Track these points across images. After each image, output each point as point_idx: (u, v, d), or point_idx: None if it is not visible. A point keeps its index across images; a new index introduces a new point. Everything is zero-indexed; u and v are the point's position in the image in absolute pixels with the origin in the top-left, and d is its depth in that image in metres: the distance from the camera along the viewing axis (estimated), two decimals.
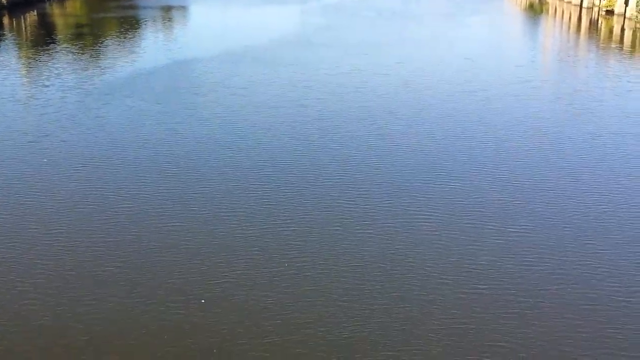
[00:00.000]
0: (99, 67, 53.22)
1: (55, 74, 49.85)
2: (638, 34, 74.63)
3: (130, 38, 67.87)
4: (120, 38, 67.39)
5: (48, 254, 23.08)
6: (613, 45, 69.60)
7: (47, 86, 46.05)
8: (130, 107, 41.11)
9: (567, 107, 42.66)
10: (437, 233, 25.05)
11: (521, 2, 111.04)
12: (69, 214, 26.21)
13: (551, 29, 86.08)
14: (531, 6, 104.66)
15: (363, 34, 71.50)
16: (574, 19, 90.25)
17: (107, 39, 67.54)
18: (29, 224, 25.38)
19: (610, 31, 79.14)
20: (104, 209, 26.62)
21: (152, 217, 26.10)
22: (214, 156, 32.60)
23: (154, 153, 32.97)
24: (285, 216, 26.17)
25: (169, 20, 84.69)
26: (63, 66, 53.01)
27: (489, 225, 25.79)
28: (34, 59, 56.72)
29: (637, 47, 69.73)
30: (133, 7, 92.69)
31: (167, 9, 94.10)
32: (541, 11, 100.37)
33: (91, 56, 58.13)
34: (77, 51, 60.06)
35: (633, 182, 30.41)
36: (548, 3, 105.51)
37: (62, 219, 25.82)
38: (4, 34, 71.66)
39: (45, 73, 50.37)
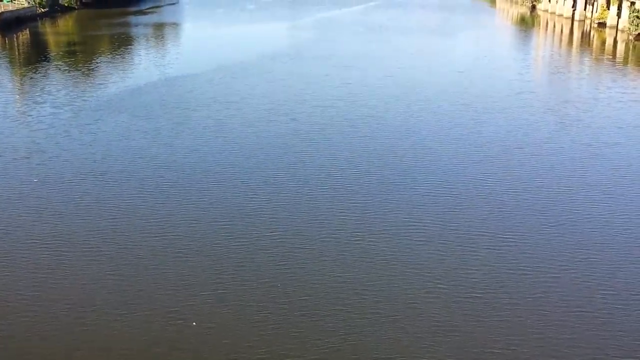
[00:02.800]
0: (91, 83, 52.96)
1: (48, 91, 49.55)
2: (631, 46, 74.97)
3: (122, 55, 67.74)
4: (112, 55, 67.25)
5: (39, 268, 22.73)
6: (605, 57, 69.84)
7: (39, 103, 45.72)
8: (122, 122, 40.78)
9: (558, 118, 42.58)
10: (430, 243, 24.82)
11: (512, 15, 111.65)
12: (62, 228, 25.84)
13: (543, 42, 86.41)
14: (523, 19, 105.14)
15: (354, 48, 71.55)
16: (566, 31, 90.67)
17: (99, 56, 67.38)
18: (21, 238, 25.07)
19: (603, 43, 79.46)
20: (97, 223, 26.26)
21: (145, 230, 25.68)
22: (207, 170, 32.25)
23: (146, 168, 32.57)
24: (277, 229, 25.89)
25: (160, 37, 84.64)
26: (55, 83, 52.73)
27: (481, 232, 25.59)
28: (27, 76, 56.45)
29: (630, 59, 70.02)
30: (125, 24, 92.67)
31: (159, 26, 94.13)
32: (533, 24, 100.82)
33: (83, 73, 57.89)
34: (69, 68, 59.84)
35: (624, 189, 30.29)
36: (540, 16, 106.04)
37: (56, 232, 25.44)
38: None
39: (37, 90, 50.06)
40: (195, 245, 24.37)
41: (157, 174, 31.76)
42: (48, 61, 63.76)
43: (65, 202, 28.39)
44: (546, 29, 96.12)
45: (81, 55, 69.80)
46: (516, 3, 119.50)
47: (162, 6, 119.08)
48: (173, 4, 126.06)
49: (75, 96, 47.80)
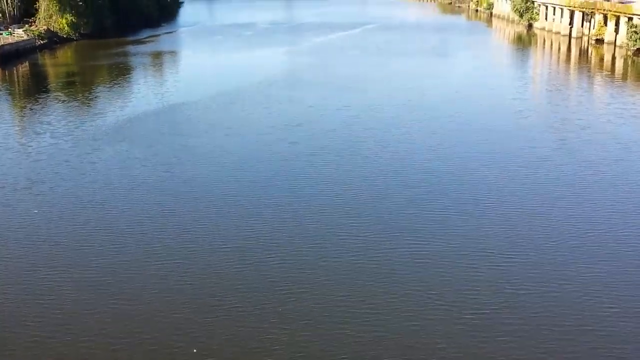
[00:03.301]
0: (91, 113, 52.95)
1: (47, 121, 49.53)
2: (630, 61, 75.06)
3: (121, 84, 67.89)
4: (110, 85, 67.42)
5: (40, 297, 22.44)
6: (604, 73, 69.87)
7: (39, 134, 45.67)
8: (121, 151, 40.69)
9: (558, 135, 42.40)
10: (434, 264, 24.52)
11: (509, 34, 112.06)
12: (62, 258, 25.58)
13: (541, 60, 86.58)
14: (520, 38, 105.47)
15: (352, 71, 71.65)
16: (564, 49, 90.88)
17: (97, 86, 67.53)
18: (23, 268, 24.79)
19: (601, 59, 79.57)
20: (97, 252, 26.04)
21: (144, 258, 25.45)
22: (207, 198, 32.06)
23: (145, 196, 32.40)
24: (276, 256, 25.66)
25: (159, 66, 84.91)
26: (55, 114, 52.74)
27: (484, 253, 25.29)
28: (27, 107, 56.50)
29: (629, 74, 70.06)
30: (123, 54, 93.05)
31: (157, 54, 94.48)
32: (530, 42, 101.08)
33: (82, 103, 57.94)
34: (69, 99, 59.92)
35: (627, 205, 30.01)
36: (536, 34, 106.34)
37: (56, 262, 25.19)
38: None
39: (37, 121, 50.05)
40: (194, 273, 24.18)
41: (156, 202, 31.61)
42: (48, 92, 63.91)
43: (65, 232, 28.26)
44: (544, 47, 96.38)
45: (80, 85, 69.98)
46: (512, 22, 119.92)
47: (159, 35, 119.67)
48: (171, 32, 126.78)
49: (75, 126, 47.77)
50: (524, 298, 21.99)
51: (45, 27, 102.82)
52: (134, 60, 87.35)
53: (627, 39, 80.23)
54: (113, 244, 26.85)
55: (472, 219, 28.72)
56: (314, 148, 40.10)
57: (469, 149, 39.55)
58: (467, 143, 40.77)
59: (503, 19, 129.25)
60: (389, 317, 20.85)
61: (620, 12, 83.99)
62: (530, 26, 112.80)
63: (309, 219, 29.04)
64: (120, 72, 76.44)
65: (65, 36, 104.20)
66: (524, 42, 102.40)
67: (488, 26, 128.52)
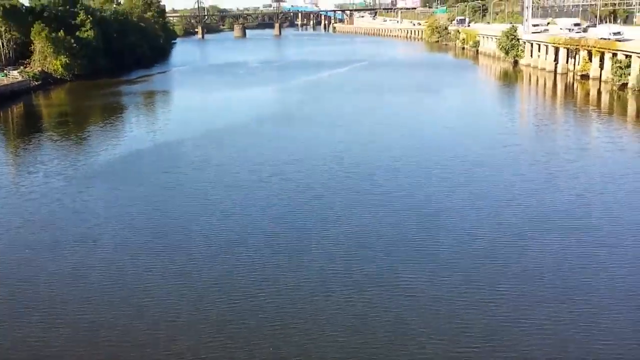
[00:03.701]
0: (83, 152, 53.43)
1: (41, 161, 49.93)
2: (615, 96, 76.39)
3: (113, 124, 68.57)
4: (103, 124, 68.07)
5: (33, 337, 22.60)
6: (590, 108, 71.05)
7: (32, 173, 46.01)
8: (113, 189, 41.06)
9: (546, 169, 42.99)
10: (423, 301, 24.88)
11: (496, 70, 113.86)
12: (55, 297, 25.75)
13: (527, 96, 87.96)
14: (506, 74, 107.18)
15: (343, 109, 72.59)
16: (550, 84, 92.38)
17: (90, 126, 68.19)
18: (16, 308, 24.93)
19: (587, 94, 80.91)
20: (90, 291, 26.24)
21: (136, 296, 25.66)
22: (198, 235, 32.34)
23: (137, 234, 32.66)
24: (268, 292, 25.94)
25: (151, 105, 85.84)
26: (48, 153, 53.17)
27: (475, 289, 25.68)
28: (20, 147, 57.00)
29: (614, 109, 71.26)
30: (116, 94, 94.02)
31: (150, 94, 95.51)
32: (516, 79, 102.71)
33: (75, 143, 58.46)
34: (62, 138, 60.45)
35: (616, 238, 30.52)
36: (522, 70, 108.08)
37: (49, 301, 25.36)
38: None
39: (31, 160, 50.48)
40: (185, 311, 24.39)
41: (148, 240, 31.88)
42: (41, 132, 64.47)
43: (57, 271, 28.42)
44: (530, 83, 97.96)
45: (73, 125, 70.63)
46: (498, 59, 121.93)
47: (152, 75, 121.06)
48: (163, 72, 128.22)
49: (68, 165, 48.18)
50: (514, 338, 22.31)
51: (39, 69, 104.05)
52: (126, 100, 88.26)
53: (612, 74, 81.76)
54: (105, 283, 27.06)
55: (462, 252, 29.13)
56: (305, 185, 40.56)
57: (458, 182, 40.10)
58: (457, 177, 41.34)
59: (489, 56, 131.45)
60: None
61: (604, 49, 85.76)
62: (516, 63, 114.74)
63: (299, 254, 29.37)
64: (113, 111, 77.24)
65: (59, 77, 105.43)
66: (510, 78, 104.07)
67: (475, 63, 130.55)
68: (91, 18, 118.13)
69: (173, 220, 34.64)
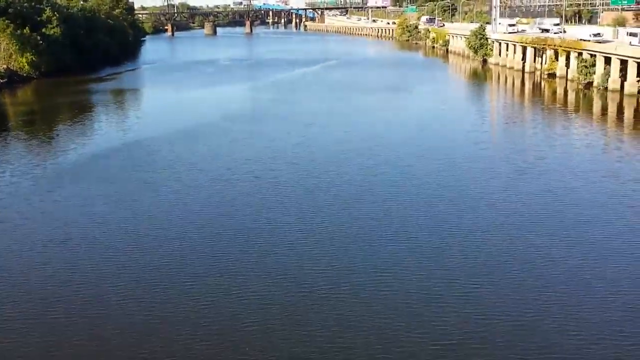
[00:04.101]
0: (51, 151, 52.72)
1: (7, 160, 49.05)
2: (581, 94, 77.76)
3: (82, 122, 67.72)
4: (71, 122, 67.18)
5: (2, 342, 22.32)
6: (557, 106, 72.23)
7: None
8: (83, 188, 40.58)
9: (515, 166, 43.60)
10: (388, 302, 25.12)
11: (465, 69, 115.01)
12: (23, 299, 25.42)
13: (496, 94, 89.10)
14: (475, 73, 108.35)
15: (314, 106, 72.76)
16: (518, 83, 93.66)
17: (58, 124, 67.26)
18: None
19: (554, 93, 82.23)
20: (60, 292, 25.96)
21: (108, 295, 25.47)
22: (171, 233, 32.22)
23: (108, 233, 32.40)
24: (242, 291, 25.97)
25: (120, 103, 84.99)
26: (15, 153, 52.33)
27: (447, 284, 25.99)
28: None
29: (580, 107, 72.56)
30: (84, 92, 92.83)
31: (119, 92, 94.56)
32: (485, 77, 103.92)
33: (43, 141, 57.65)
34: (29, 137, 59.55)
35: (584, 233, 31.15)
36: (491, 69, 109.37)
37: (17, 305, 25.03)
38: None
39: None
40: (159, 310, 24.27)
41: (118, 239, 31.63)
42: (7, 131, 63.34)
43: (25, 271, 28.08)
44: (499, 82, 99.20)
45: (41, 124, 69.62)
46: (468, 57, 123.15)
47: (121, 73, 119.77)
48: (132, 70, 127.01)
49: (36, 164, 47.50)
50: (491, 329, 22.63)
51: (4, 66, 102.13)
52: (95, 98, 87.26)
53: (578, 73, 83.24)
54: (75, 283, 26.79)
55: (434, 248, 29.45)
56: (277, 182, 40.60)
57: (429, 180, 40.49)
58: (428, 174, 41.74)
59: (459, 54, 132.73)
60: None
61: (570, 48, 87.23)
62: (485, 62, 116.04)
63: (272, 252, 29.42)
64: (82, 110, 76.26)
65: (25, 75, 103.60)
66: (479, 77, 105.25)
67: (445, 62, 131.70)
68: (57, 15, 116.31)
69: (144, 219, 34.39)
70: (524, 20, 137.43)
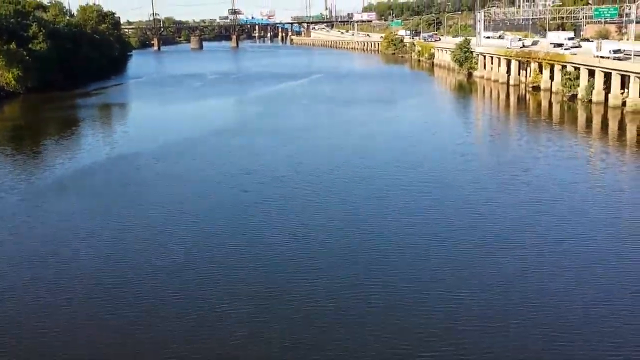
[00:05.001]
0: (38, 166, 52.54)
1: None
2: (565, 107, 78.57)
3: (69, 137, 67.59)
4: (58, 137, 67.03)
5: None
6: (542, 118, 72.96)
7: None
8: (70, 203, 40.46)
9: (500, 178, 43.99)
10: (377, 314, 25.28)
11: (451, 82, 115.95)
12: (11, 313, 25.40)
13: (482, 107, 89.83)
14: (461, 86, 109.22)
15: (301, 120, 73.03)
16: (503, 96, 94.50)
17: (45, 139, 67.07)
18: None
19: (539, 105, 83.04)
20: (47, 307, 25.93)
21: (95, 311, 25.38)
22: (157, 248, 32.19)
23: (94, 248, 32.30)
24: (231, 305, 26.05)
25: (107, 118, 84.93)
26: (1, 168, 52.10)
27: (432, 295, 26.20)
28: None
29: (565, 119, 73.33)
30: (71, 107, 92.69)
31: (106, 106, 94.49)
32: (471, 90, 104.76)
33: (30, 157, 57.45)
34: (15, 152, 59.32)
35: (568, 244, 31.48)
36: (476, 82, 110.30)
37: (4, 317, 25.02)
38: None
39: None
40: (144, 327, 24.28)
41: (106, 254, 31.56)
42: None
43: (12, 287, 27.95)
44: (484, 94, 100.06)
45: (27, 139, 69.40)
46: (453, 71, 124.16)
47: (108, 87, 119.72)
48: (119, 84, 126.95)
49: (22, 179, 47.36)
50: (471, 341, 22.82)
51: None
52: (81, 113, 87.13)
53: (562, 85, 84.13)
54: (61, 298, 26.72)
55: (421, 260, 29.66)
56: (265, 196, 40.71)
57: (414, 192, 40.78)
58: (413, 186, 42.03)
59: (444, 68, 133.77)
60: None
61: (554, 61, 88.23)
62: (470, 75, 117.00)
63: (259, 266, 29.50)
64: (68, 125, 76.10)
65: (11, 90, 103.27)
66: (465, 89, 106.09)
67: (430, 75, 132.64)
68: (44, 30, 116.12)
69: (131, 233, 34.35)
70: (508, 33, 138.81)
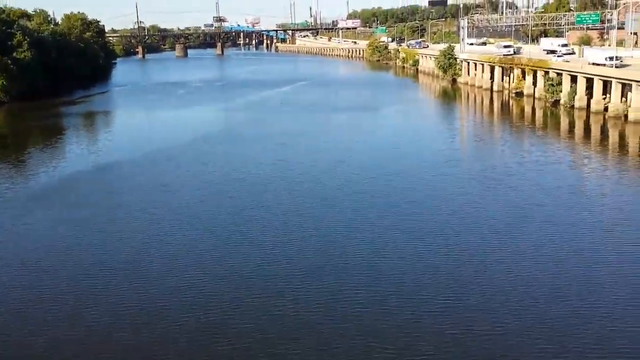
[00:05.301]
0: (23, 175, 52.31)
1: None
2: (548, 112, 79.37)
3: (54, 145, 67.30)
4: (43, 146, 66.72)
5: None
6: (525, 124, 73.66)
7: None
8: (55, 212, 40.32)
9: (485, 182, 44.35)
10: (362, 321, 25.50)
11: (435, 88, 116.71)
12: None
13: (466, 113, 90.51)
14: (445, 92, 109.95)
15: (286, 127, 73.14)
16: (487, 102, 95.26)
17: (29, 148, 66.76)
18: None
19: (522, 111, 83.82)
20: (30, 316, 25.91)
21: (78, 320, 25.30)
22: (141, 257, 32.16)
23: (79, 256, 32.17)
24: (215, 315, 26.16)
25: (91, 126, 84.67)
26: None
27: (418, 303, 26.45)
28: None
29: (548, 124, 74.08)
30: (56, 115, 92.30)
31: (90, 114, 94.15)
32: (455, 96, 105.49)
33: (14, 165, 57.10)
34: (0, 162, 59.02)
35: (552, 248, 31.86)
36: (460, 88, 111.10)
37: None
38: None
39: None
40: (129, 338, 24.32)
41: (90, 263, 31.48)
42: None
43: None
44: (468, 100, 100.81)
45: (12, 147, 69.02)
46: (437, 77, 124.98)
47: (93, 95, 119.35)
48: (104, 92, 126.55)
49: (6, 188, 47.10)
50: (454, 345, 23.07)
51: None
52: (66, 121, 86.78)
53: (545, 91, 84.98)
54: (45, 308, 26.66)
55: (405, 264, 29.88)
56: (251, 203, 40.79)
57: (399, 197, 41.03)
58: (398, 191, 42.28)
59: (428, 74, 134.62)
60: None
61: (537, 67, 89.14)
62: (454, 81, 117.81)
63: (244, 275, 29.61)
64: (53, 133, 75.77)
65: None
66: (449, 96, 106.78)
67: (415, 81, 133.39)
68: (28, 39, 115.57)
69: (116, 242, 34.29)
70: (491, 40, 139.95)
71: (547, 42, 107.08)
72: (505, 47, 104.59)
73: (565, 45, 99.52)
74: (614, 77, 69.02)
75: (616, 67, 71.26)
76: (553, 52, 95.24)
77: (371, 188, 43.61)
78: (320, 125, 74.76)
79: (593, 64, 76.88)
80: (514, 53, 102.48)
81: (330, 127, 72.78)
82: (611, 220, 35.69)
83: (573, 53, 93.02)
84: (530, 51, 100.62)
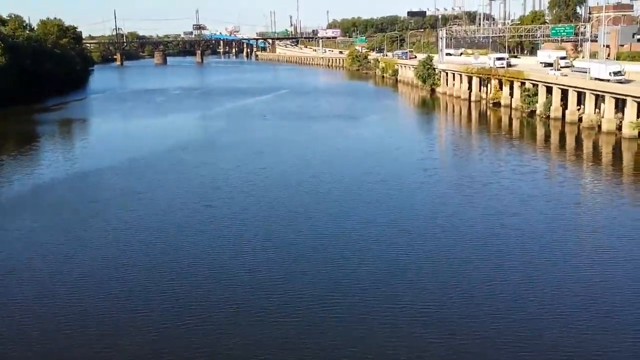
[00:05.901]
0: None
1: None
2: (525, 122, 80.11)
3: (27, 153, 66.32)
4: (15, 153, 65.73)
5: None
6: (502, 134, 74.23)
7: None
8: (27, 220, 39.69)
9: (463, 191, 44.54)
10: (341, 328, 25.30)
11: (414, 98, 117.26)
12: None
13: (444, 123, 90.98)
14: (424, 102, 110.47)
15: (266, 135, 72.90)
16: (465, 112, 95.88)
17: (3, 155, 65.73)
18: None
19: (499, 121, 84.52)
20: (8, 319, 25.44)
21: (51, 328, 24.89)
22: (118, 265, 31.74)
23: (52, 265, 31.70)
24: (193, 323, 25.83)
25: (67, 133, 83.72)
26: None
27: (397, 311, 26.32)
28: None
29: (524, 134, 74.72)
30: (31, 122, 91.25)
31: (67, 122, 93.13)
32: (434, 106, 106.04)
33: None
34: None
35: (530, 256, 31.95)
36: (439, 98, 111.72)
37: None
38: None
39: None
40: (100, 350, 23.91)
41: (65, 271, 31.03)
42: None
43: None
44: (446, 110, 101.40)
45: None
46: (416, 87, 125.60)
47: (69, 102, 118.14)
48: (80, 99, 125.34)
49: None
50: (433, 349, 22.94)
51: None
52: (41, 128, 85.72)
53: (522, 101, 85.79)
54: (17, 317, 26.20)
55: (382, 273, 29.77)
56: (229, 211, 40.50)
57: (377, 207, 40.99)
58: (376, 201, 42.25)
59: (408, 84, 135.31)
60: None
61: (513, 78, 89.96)
62: (433, 91, 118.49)
63: (222, 283, 29.34)
64: (27, 140, 74.74)
65: None
66: (428, 105, 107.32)
67: (394, 91, 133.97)
68: (2, 44, 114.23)
69: (91, 250, 33.81)
70: (469, 51, 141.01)
71: (544, 55, 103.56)
72: (498, 59, 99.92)
73: (564, 57, 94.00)
74: (587, 89, 69.73)
75: (620, 82, 66.72)
76: (550, 65, 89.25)
77: (348, 197, 43.52)
78: (299, 134, 74.58)
79: (596, 79, 71.12)
80: (509, 66, 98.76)
81: (310, 137, 72.62)
82: (585, 227, 36.21)
83: (572, 66, 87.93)
84: (527, 63, 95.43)
